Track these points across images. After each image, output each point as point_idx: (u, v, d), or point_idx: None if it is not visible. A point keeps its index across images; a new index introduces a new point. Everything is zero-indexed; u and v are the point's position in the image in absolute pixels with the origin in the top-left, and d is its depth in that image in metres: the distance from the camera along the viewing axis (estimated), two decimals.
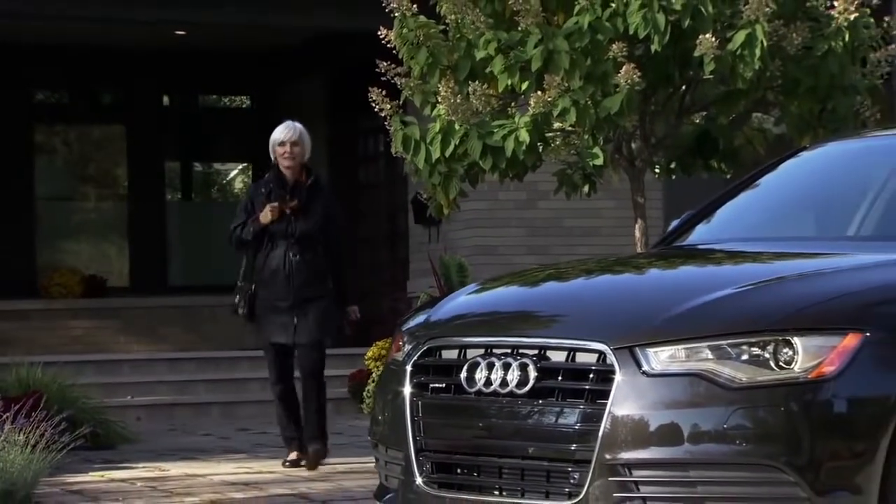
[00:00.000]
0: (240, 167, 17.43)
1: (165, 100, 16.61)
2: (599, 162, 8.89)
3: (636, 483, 4.96)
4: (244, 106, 17.17)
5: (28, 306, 14.96)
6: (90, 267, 15.83)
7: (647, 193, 9.59)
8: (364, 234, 15.68)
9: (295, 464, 9.11)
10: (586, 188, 9.35)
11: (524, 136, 8.63)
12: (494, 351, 5.23)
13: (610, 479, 4.95)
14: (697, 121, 9.35)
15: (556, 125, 8.88)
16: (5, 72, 15.40)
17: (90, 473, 8.93)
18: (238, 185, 17.45)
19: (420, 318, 5.72)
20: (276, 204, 9.27)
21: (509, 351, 5.20)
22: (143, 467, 9.27)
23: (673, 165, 9.70)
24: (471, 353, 5.29)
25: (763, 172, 7.03)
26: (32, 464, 7.74)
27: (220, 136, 16.96)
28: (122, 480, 8.66)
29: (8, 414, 8.14)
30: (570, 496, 5.01)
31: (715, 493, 4.92)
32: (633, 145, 9.28)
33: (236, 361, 13.65)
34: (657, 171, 9.80)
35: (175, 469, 9.14)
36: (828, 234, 6.38)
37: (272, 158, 9.58)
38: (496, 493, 5.20)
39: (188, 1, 13.57)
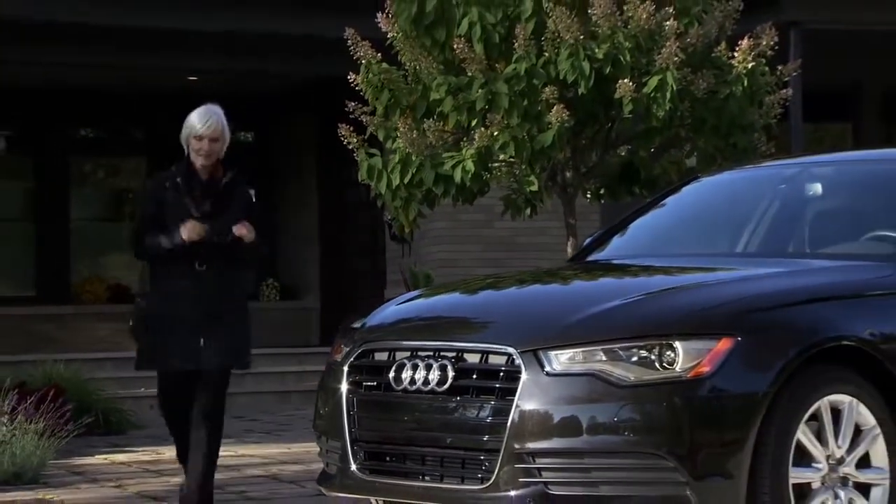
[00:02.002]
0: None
1: (179, 135, 16.38)
2: (535, 188, 8.86)
3: (539, 469, 4.82)
4: (248, 141, 17.00)
5: (62, 311, 14.79)
6: (115, 276, 15.67)
7: (586, 214, 9.50)
8: (350, 249, 15.52)
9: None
10: (528, 211, 9.22)
11: (470, 165, 8.55)
12: (419, 353, 5.09)
13: (516, 465, 4.82)
14: (622, 153, 9.21)
15: (501, 157, 8.78)
16: (46, 112, 15.31)
17: (96, 456, 8.73)
18: None
19: (357, 324, 5.56)
20: (205, 226, 6.49)
21: (431, 353, 5.06)
22: (143, 451, 9.06)
23: (602, 191, 9.61)
24: (399, 355, 5.15)
25: (665, 196, 6.89)
26: (40, 449, 7.58)
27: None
28: (122, 463, 8.47)
29: (24, 405, 7.99)
30: (482, 481, 4.87)
31: (607, 478, 4.79)
32: (567, 174, 9.18)
33: None
34: (588, 196, 9.68)
35: (170, 453, 8.73)
36: (718, 250, 6.22)
37: (184, 148, 6.88)
38: (420, 478, 5.06)
39: (200, 51, 13.45)
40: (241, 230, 6.55)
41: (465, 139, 8.86)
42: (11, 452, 7.46)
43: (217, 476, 7.70)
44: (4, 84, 13.81)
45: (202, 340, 6.45)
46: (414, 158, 8.69)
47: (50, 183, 15.63)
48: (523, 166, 8.79)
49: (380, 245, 14.73)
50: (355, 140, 8.92)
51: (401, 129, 8.66)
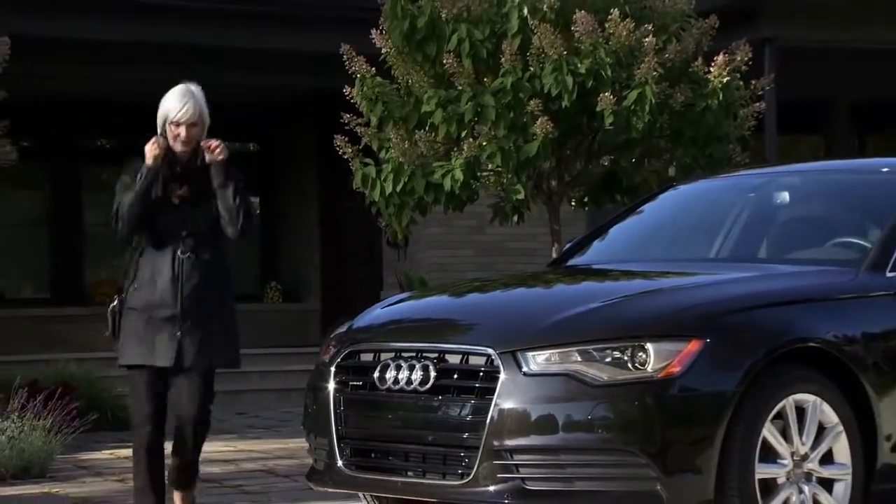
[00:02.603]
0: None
1: None
2: (521, 196, 8.82)
3: (516, 465, 4.77)
4: (251, 150, 16.96)
5: (76, 312, 14.66)
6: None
7: (572, 221, 9.46)
8: (349, 254, 15.47)
9: None
10: (515, 217, 9.17)
11: (459, 175, 8.54)
12: (402, 354, 5.04)
13: (495, 462, 4.76)
14: (605, 163, 9.18)
15: (489, 166, 8.75)
16: (60, 124, 15.26)
17: (102, 451, 8.63)
18: None
19: (344, 327, 5.52)
20: (160, 138, 5.81)
21: (415, 354, 5.01)
22: None
23: (586, 199, 9.59)
24: (384, 356, 5.10)
25: (642, 203, 6.85)
26: (47, 444, 7.53)
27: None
28: (126, 457, 8.27)
29: (33, 402, 7.93)
30: (462, 476, 4.82)
31: (581, 474, 4.74)
32: (553, 183, 9.15)
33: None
34: (573, 203, 9.66)
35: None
36: (692, 255, 6.16)
37: (158, 130, 5.94)
38: (403, 474, 5.00)
39: (206, 65, 13.39)
40: (211, 142, 5.83)
41: (454, 149, 8.82)
42: (20, 448, 7.40)
43: (215, 470, 7.71)
44: (21, 97, 13.74)
45: (179, 334, 5.61)
46: (406, 168, 8.67)
47: (64, 190, 15.56)
48: (510, 175, 8.77)
49: (377, 250, 14.67)
50: (350, 150, 8.90)
51: (393, 139, 8.65)
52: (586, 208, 9.99)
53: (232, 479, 7.32)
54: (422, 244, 13.62)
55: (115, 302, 5.88)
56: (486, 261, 13.43)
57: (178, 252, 5.71)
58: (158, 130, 5.90)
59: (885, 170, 5.98)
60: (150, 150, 5.77)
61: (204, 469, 7.70)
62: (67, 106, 14.93)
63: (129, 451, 8.85)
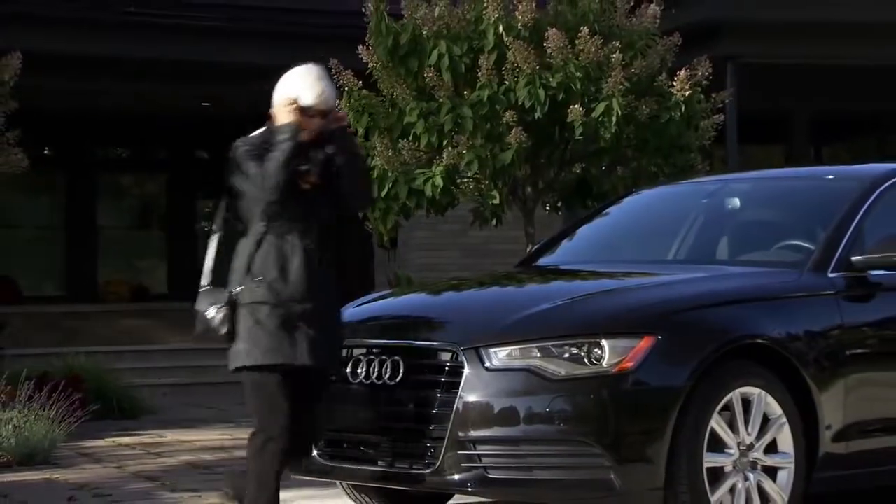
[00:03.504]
0: None
1: (194, 154, 16.29)
2: (496, 201, 8.75)
3: (479, 455, 4.66)
4: None
5: (89, 309, 14.58)
6: (137, 278, 15.52)
7: (549, 223, 9.38)
8: (344, 255, 15.32)
9: None
10: (494, 221, 9.09)
11: (439, 181, 8.47)
12: (374, 350, 4.95)
13: (459, 452, 4.66)
14: (576, 170, 9.10)
15: (468, 173, 8.66)
16: (77, 134, 15.17)
17: (105, 439, 8.49)
18: None
19: None
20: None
21: (385, 351, 4.91)
22: (148, 434, 8.83)
23: (559, 204, 9.52)
24: (356, 351, 4.99)
25: (606, 207, 6.75)
26: (51, 433, 7.42)
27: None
28: (127, 445, 8.27)
29: (39, 393, 7.83)
30: (428, 465, 4.72)
31: (540, 464, 4.64)
32: (528, 189, 9.07)
33: None
34: (547, 208, 9.57)
35: (172, 436, 8.73)
36: (650, 257, 6.05)
37: (274, 113, 4.94)
38: (374, 463, 4.90)
39: (213, 80, 13.34)
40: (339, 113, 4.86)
41: (435, 157, 8.74)
42: (24, 436, 7.29)
43: (208, 457, 7.60)
44: (41, 109, 13.70)
45: (318, 332, 4.71)
46: (390, 174, 8.60)
47: (80, 196, 15.48)
48: (487, 182, 8.68)
49: (369, 252, 14.57)
50: None
51: (378, 148, 8.58)
52: (560, 212, 9.92)
53: (223, 465, 7.21)
54: (410, 246, 13.56)
55: (226, 296, 4.84)
56: (470, 262, 13.32)
57: (307, 243, 4.82)
58: (275, 113, 4.93)
59: (830, 177, 5.89)
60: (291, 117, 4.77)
61: (198, 456, 7.63)
62: (83, 118, 14.86)
63: (129, 439, 8.85)
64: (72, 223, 15.41)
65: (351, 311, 5.40)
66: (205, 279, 5.06)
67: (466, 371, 4.67)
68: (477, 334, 4.76)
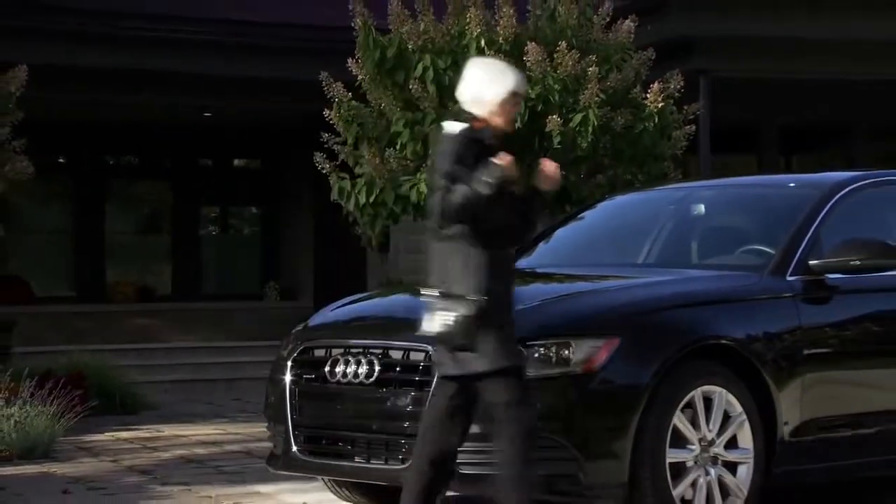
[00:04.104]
0: (252, 210, 17.00)
1: (198, 162, 16.17)
2: None
3: None
4: (255, 167, 16.77)
5: (97, 309, 14.45)
6: (143, 280, 15.40)
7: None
8: (338, 258, 15.23)
9: None
10: None
11: (424, 188, 8.35)
12: (351, 350, 4.86)
13: None
14: None
15: None
16: (85, 142, 15.07)
17: (105, 433, 8.36)
18: (250, 225, 16.99)
19: (301, 326, 5.32)
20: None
21: (361, 350, 4.83)
22: (146, 429, 8.71)
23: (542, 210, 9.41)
24: (334, 351, 4.92)
25: (581, 211, 6.67)
26: (50, 428, 7.31)
27: (238, 188, 16.53)
28: (125, 439, 8.15)
29: (40, 390, 7.72)
30: (402, 461, 4.63)
31: None
32: None
33: (239, 349, 13.19)
34: None
35: (168, 430, 8.61)
36: (623, 260, 5.96)
37: (474, 114, 4.37)
38: (350, 459, 4.81)
39: (215, 92, 13.25)
40: (549, 166, 4.41)
41: (422, 165, 8.65)
42: (25, 431, 7.19)
43: (201, 451, 7.48)
44: (52, 120, 13.65)
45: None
46: (377, 181, 8.51)
47: (89, 202, 15.35)
48: None
49: (362, 255, 14.46)
50: (328, 166, 8.76)
51: (367, 156, 8.51)
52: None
53: (214, 459, 7.11)
54: (399, 250, 13.46)
55: (475, 303, 4.22)
56: None
57: (512, 250, 4.52)
58: (491, 108, 4.35)
59: (791, 185, 5.80)
60: (507, 164, 4.26)
61: (192, 450, 7.53)
62: (92, 128, 14.76)
63: (127, 434, 8.73)
64: (81, 227, 15.30)
65: (329, 314, 5.33)
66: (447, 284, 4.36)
67: None
68: None
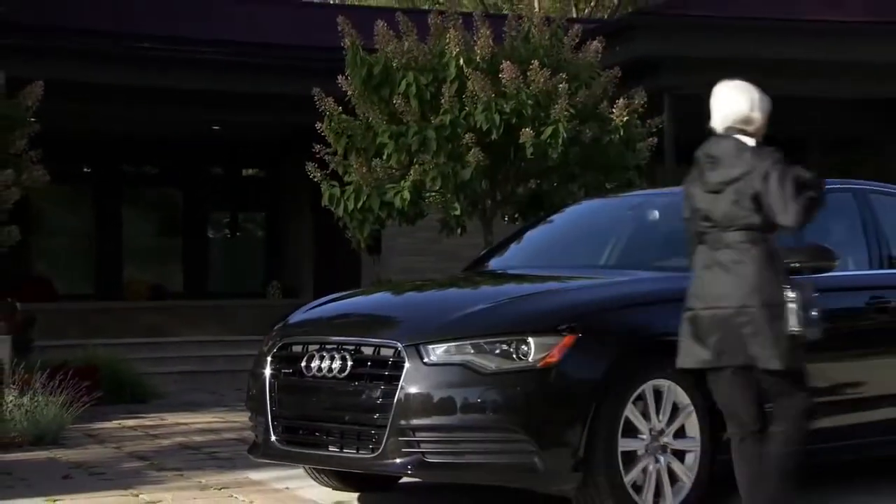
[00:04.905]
0: (257, 214, 16.87)
1: (206, 171, 16.06)
2: (457, 213, 8.55)
3: (418, 441, 4.47)
4: (259, 175, 16.65)
5: (113, 306, 14.34)
6: (156, 279, 15.29)
7: (507, 233, 9.19)
8: (336, 259, 15.13)
9: None
10: (459, 230, 8.91)
11: (406, 195, 8.31)
12: (326, 347, 4.74)
13: (400, 438, 4.47)
14: (531, 186, 8.91)
15: (435, 188, 8.47)
16: (103, 153, 14.97)
17: (112, 421, 8.26)
18: (255, 229, 16.85)
19: (280, 323, 5.20)
20: None
21: (335, 346, 4.71)
22: (151, 417, 8.59)
23: (516, 216, 9.32)
24: (310, 347, 4.80)
25: (550, 215, 6.56)
26: (59, 416, 7.19)
27: (243, 195, 16.43)
28: (130, 427, 8.03)
29: (52, 381, 7.61)
30: (373, 451, 4.52)
31: (472, 449, 4.43)
32: (488, 202, 8.89)
33: (242, 343, 13.02)
34: (506, 219, 9.38)
35: (172, 418, 8.49)
36: (587, 262, 5.85)
37: (746, 129, 4.44)
38: (325, 448, 4.69)
39: (222, 107, 13.16)
40: None
41: (407, 174, 8.55)
42: (35, 419, 7.07)
43: (199, 438, 7.36)
44: (74, 132, 13.58)
45: None
46: (364, 189, 8.42)
47: (107, 208, 15.29)
48: (449, 195, 8.50)
49: (357, 256, 14.35)
50: (319, 174, 8.67)
51: (355, 166, 8.43)
52: (517, 223, 9.74)
53: (210, 446, 7.00)
54: (392, 251, 13.36)
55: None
56: (444, 265, 13.10)
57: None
58: (763, 122, 4.46)
59: None
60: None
61: (190, 438, 7.40)
62: (110, 140, 14.68)
63: (133, 422, 8.60)
64: (100, 231, 15.21)
65: (306, 312, 5.21)
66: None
67: (407, 365, 4.47)
68: (417, 332, 4.56)
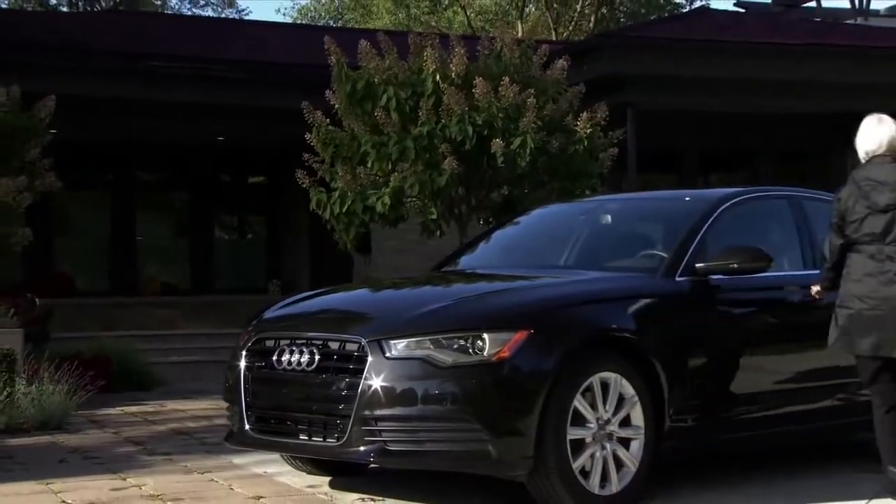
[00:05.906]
0: (258, 218, 16.68)
1: (213, 178, 15.87)
2: (434, 217, 8.41)
3: (380, 431, 4.30)
4: (261, 181, 16.47)
5: (129, 301, 14.13)
6: (166, 276, 15.10)
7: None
8: (330, 258, 14.92)
9: None
10: (438, 233, 8.76)
11: (387, 200, 8.17)
12: (296, 342, 4.58)
13: (363, 427, 4.30)
14: (504, 192, 8.76)
15: (414, 194, 8.32)
16: (118, 159, 14.80)
17: (116, 408, 8.09)
18: (257, 230, 16.66)
19: (256, 319, 5.03)
20: None
21: (304, 342, 4.55)
22: (152, 404, 8.42)
23: (491, 220, 9.17)
24: (281, 342, 4.63)
25: (516, 217, 6.39)
26: (65, 403, 7.01)
27: (247, 199, 16.25)
28: (131, 413, 7.84)
29: (60, 370, 7.42)
30: (338, 439, 4.37)
31: (430, 437, 4.27)
32: (463, 207, 8.74)
33: None
34: (481, 223, 9.22)
35: (171, 405, 8.31)
36: (547, 262, 5.66)
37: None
38: (294, 436, 4.53)
39: (226, 118, 13.01)
40: None
41: (388, 181, 8.39)
42: (41, 406, 6.89)
43: (192, 425, 7.17)
44: (93, 141, 13.41)
45: None
46: (349, 194, 8.29)
47: (123, 211, 15.08)
48: (427, 201, 8.36)
49: (349, 256, 14.18)
50: (308, 181, 8.52)
51: (340, 173, 8.29)
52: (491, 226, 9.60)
53: (202, 432, 6.82)
54: (381, 251, 13.19)
55: None
56: (428, 264, 12.85)
57: None
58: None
59: (687, 198, 5.51)
60: None
61: (184, 424, 7.22)
62: (125, 149, 14.51)
63: (135, 409, 8.39)
64: (116, 232, 15.02)
65: (280, 309, 5.04)
66: None
67: (370, 359, 4.31)
68: (380, 328, 4.40)
